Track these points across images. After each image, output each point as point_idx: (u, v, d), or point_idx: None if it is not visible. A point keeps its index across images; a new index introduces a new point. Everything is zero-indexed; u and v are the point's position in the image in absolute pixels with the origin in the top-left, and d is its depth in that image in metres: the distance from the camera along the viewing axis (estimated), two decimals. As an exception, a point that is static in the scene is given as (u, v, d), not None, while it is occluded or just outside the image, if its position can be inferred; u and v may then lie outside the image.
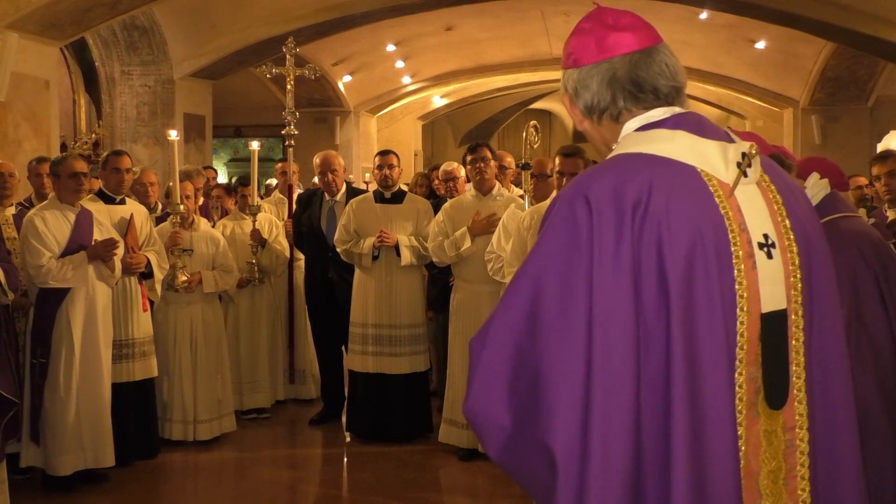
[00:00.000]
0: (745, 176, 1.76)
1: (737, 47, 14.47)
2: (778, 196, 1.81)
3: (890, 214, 5.04)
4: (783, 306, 1.75)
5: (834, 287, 1.85)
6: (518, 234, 5.41)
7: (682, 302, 1.65)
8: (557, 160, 5.38)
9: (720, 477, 1.66)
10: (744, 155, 1.77)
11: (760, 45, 14.37)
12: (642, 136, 1.79)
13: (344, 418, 7.12)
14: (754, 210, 1.76)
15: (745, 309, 1.70)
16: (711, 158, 1.76)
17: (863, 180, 7.52)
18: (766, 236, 1.75)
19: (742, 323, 1.70)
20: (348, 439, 6.84)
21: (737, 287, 1.70)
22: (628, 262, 1.65)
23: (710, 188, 1.73)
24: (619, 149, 1.81)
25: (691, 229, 1.67)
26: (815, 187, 3.39)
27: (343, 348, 7.23)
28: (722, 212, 1.72)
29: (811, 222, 1.85)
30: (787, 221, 1.79)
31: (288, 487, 6.06)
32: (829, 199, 3.40)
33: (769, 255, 1.74)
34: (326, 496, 6.02)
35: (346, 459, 6.65)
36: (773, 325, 1.74)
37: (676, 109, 1.83)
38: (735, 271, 1.70)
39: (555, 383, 1.66)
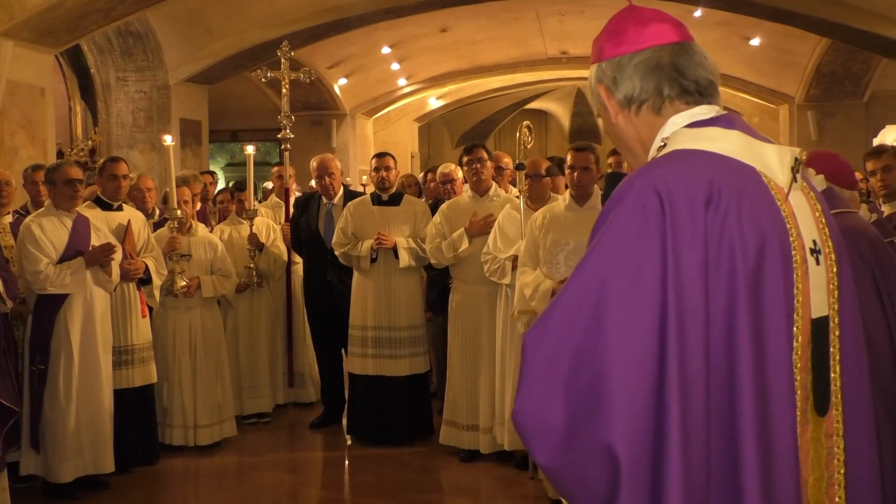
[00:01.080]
0: (796, 181, 1.74)
1: (732, 44, 14.48)
2: (818, 203, 1.80)
3: (885, 209, 5.04)
4: (826, 312, 1.73)
5: (855, 294, 1.83)
6: (531, 234, 5.41)
7: (751, 303, 1.62)
8: (569, 155, 5.40)
9: (786, 481, 1.63)
10: (796, 159, 1.75)
11: (755, 41, 14.38)
12: (697, 132, 1.75)
13: (345, 421, 7.13)
14: (804, 216, 1.74)
15: (799, 313, 1.68)
16: (769, 161, 1.73)
17: (858, 175, 7.52)
18: (815, 242, 1.74)
19: (798, 328, 1.68)
20: (349, 442, 6.84)
21: (795, 291, 1.68)
22: (702, 259, 1.61)
23: (772, 190, 1.71)
24: (672, 144, 1.75)
25: (760, 230, 1.65)
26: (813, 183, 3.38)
27: (343, 351, 7.23)
28: (783, 215, 1.70)
29: (836, 229, 1.84)
30: (827, 229, 1.78)
31: (289, 492, 6.06)
32: (827, 195, 3.40)
33: (817, 262, 1.73)
34: (328, 499, 6.02)
35: (347, 462, 6.65)
36: (820, 331, 1.72)
37: (720, 109, 1.80)
38: (794, 275, 1.69)
39: (621, 383, 1.57)
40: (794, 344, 1.67)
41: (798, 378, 1.67)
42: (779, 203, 1.71)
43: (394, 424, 6.59)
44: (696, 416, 1.58)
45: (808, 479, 1.70)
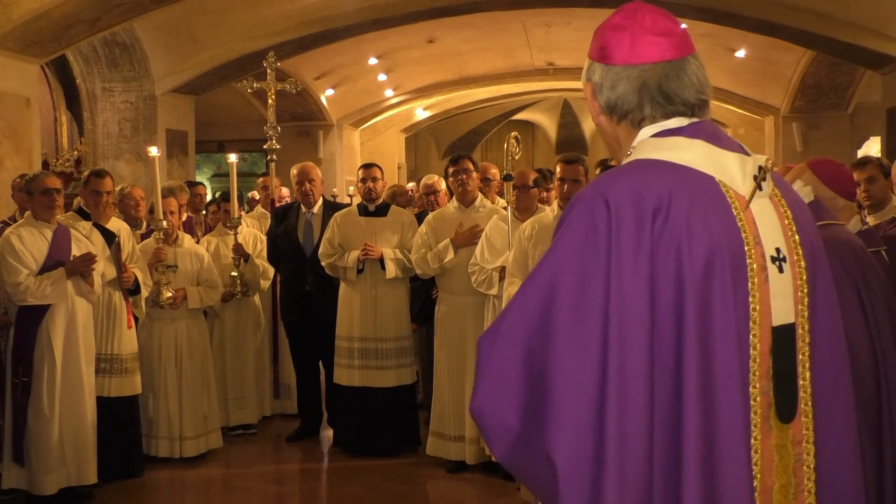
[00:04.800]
0: (760, 189, 1.75)
1: (717, 56, 14.54)
2: (788, 211, 1.81)
3: (870, 220, 5.06)
4: (792, 320, 1.75)
5: (836, 302, 1.84)
6: (519, 245, 5.42)
7: (698, 311, 1.64)
8: (559, 167, 5.40)
9: (732, 491, 1.64)
10: (760, 168, 1.76)
11: (740, 53, 14.45)
12: (660, 142, 1.77)
13: (329, 433, 7.10)
14: (767, 224, 1.76)
15: (757, 322, 1.70)
16: (729, 169, 1.75)
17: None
18: (777, 250, 1.75)
19: (755, 336, 1.69)
20: (336, 454, 6.81)
21: (750, 300, 1.70)
22: (646, 268, 1.63)
23: (728, 199, 1.73)
24: (636, 154, 1.78)
25: (710, 239, 1.66)
26: (800, 194, 3.39)
27: (320, 363, 7.21)
28: (739, 223, 1.71)
29: (816, 237, 1.85)
30: (797, 236, 1.79)
31: (276, 503, 6.03)
32: (813, 207, 3.40)
33: (780, 269, 1.74)
34: (314, 511, 6.00)
35: (333, 474, 6.62)
36: (783, 338, 1.73)
37: (694, 118, 1.81)
38: (749, 284, 1.70)
39: (563, 390, 1.63)
40: (752, 352, 1.69)
41: (757, 385, 1.69)
42: (735, 212, 1.72)
43: (380, 435, 6.58)
44: (635, 426, 1.61)
45: (772, 486, 1.71)
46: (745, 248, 1.70)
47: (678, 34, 1.81)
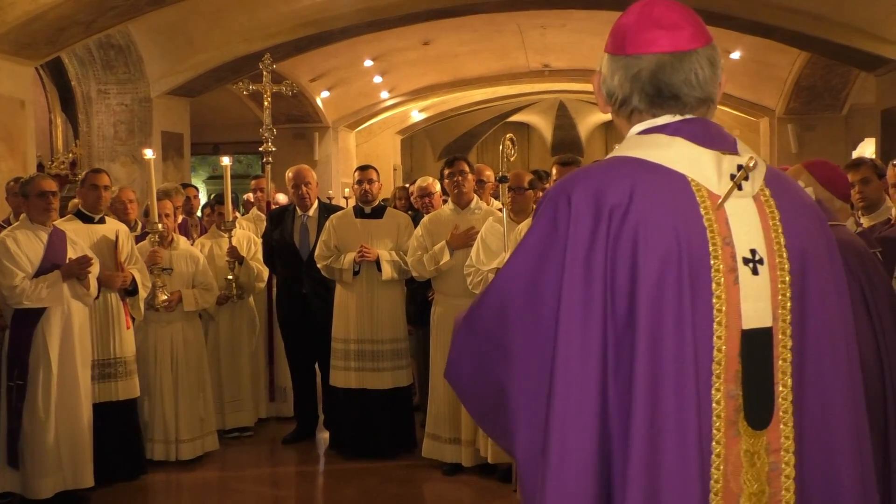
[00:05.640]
0: (739, 189, 1.72)
1: (712, 58, 14.56)
2: (776, 211, 1.75)
3: (864, 222, 5.07)
4: (768, 324, 1.70)
5: (833, 305, 1.78)
6: (514, 246, 5.41)
7: (650, 311, 1.62)
8: (555, 170, 5.40)
9: (678, 491, 1.61)
10: (739, 167, 1.73)
11: (735, 55, 14.47)
12: (640, 139, 1.78)
13: (325, 435, 7.10)
14: (745, 224, 1.71)
15: (722, 323, 1.66)
16: (704, 168, 1.73)
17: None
18: (753, 251, 1.70)
19: (720, 338, 1.65)
20: (332, 456, 6.81)
21: (714, 301, 1.66)
22: (601, 266, 1.64)
23: (698, 198, 1.70)
24: (618, 150, 1.81)
25: (669, 238, 1.65)
26: None
27: (316, 365, 7.21)
28: (705, 223, 1.68)
29: (812, 240, 1.78)
30: (782, 238, 1.73)
31: (271, 506, 6.03)
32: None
33: (755, 271, 1.69)
34: (310, 514, 5.99)
35: (329, 476, 6.62)
36: (756, 342, 1.68)
37: (687, 116, 1.79)
38: (713, 284, 1.66)
39: (517, 383, 1.71)
40: (716, 354, 1.65)
41: (721, 389, 1.66)
42: (703, 211, 1.70)
43: (376, 438, 6.57)
44: (579, 423, 1.63)
45: (739, 492, 1.68)
46: (711, 248, 1.67)
47: (685, 28, 1.78)
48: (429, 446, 6.29)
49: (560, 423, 1.63)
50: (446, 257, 6.06)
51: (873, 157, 10.59)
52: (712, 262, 1.67)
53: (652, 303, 1.63)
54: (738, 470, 1.68)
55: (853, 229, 3.80)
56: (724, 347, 1.66)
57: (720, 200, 1.71)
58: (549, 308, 1.68)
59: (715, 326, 1.66)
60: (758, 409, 1.69)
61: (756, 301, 1.69)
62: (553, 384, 1.64)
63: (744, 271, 1.69)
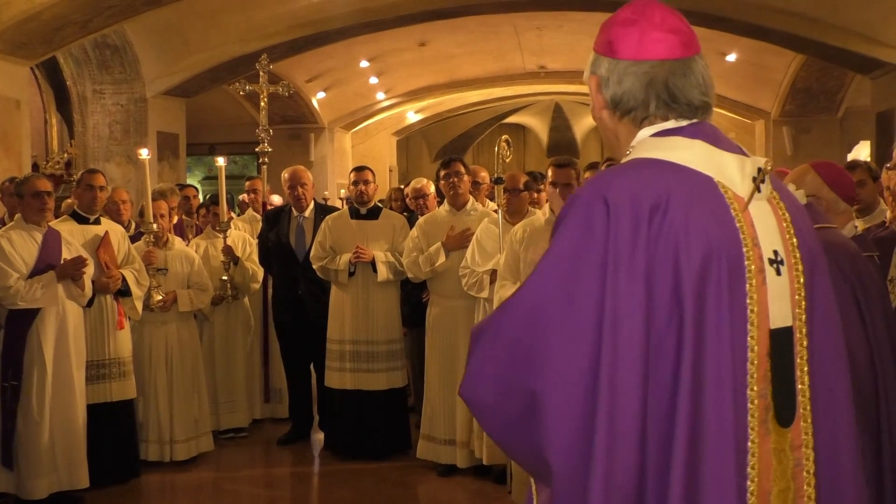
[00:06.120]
0: (759, 191, 1.74)
1: (708, 60, 14.40)
2: (787, 214, 1.80)
3: (859, 225, 5.08)
4: (789, 323, 1.73)
5: (834, 306, 1.82)
6: (511, 248, 5.41)
7: (694, 311, 1.63)
8: (550, 171, 5.38)
9: (717, 493, 1.62)
10: (759, 170, 1.75)
11: (731, 57, 14.50)
12: (659, 141, 1.77)
13: (320, 436, 7.09)
14: (765, 226, 1.74)
15: (755, 324, 1.68)
16: (728, 170, 1.74)
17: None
18: (775, 252, 1.73)
19: (752, 338, 1.68)
20: (327, 457, 6.80)
21: (748, 301, 1.68)
22: (643, 267, 1.62)
23: (727, 200, 1.72)
24: (634, 153, 1.78)
25: (708, 239, 1.65)
26: None
27: (311, 366, 7.20)
28: (737, 224, 1.70)
29: (815, 241, 1.83)
30: (795, 239, 1.77)
31: (266, 507, 6.02)
32: (807, 210, 3.41)
33: (778, 272, 1.72)
34: (305, 515, 5.99)
35: (324, 477, 6.61)
36: (781, 341, 1.71)
37: (695, 120, 1.80)
38: (747, 285, 1.68)
39: (555, 390, 1.63)
40: (749, 354, 1.67)
41: (755, 388, 1.68)
42: (734, 213, 1.71)
43: (371, 439, 6.57)
44: (626, 426, 1.60)
45: (770, 490, 1.70)
46: (744, 250, 1.69)
47: (686, 32, 1.80)
48: (424, 447, 6.29)
49: (608, 426, 1.60)
50: (442, 259, 6.06)
51: (868, 159, 10.61)
52: (746, 263, 1.69)
53: (695, 303, 1.63)
54: (769, 468, 1.70)
55: (852, 233, 3.78)
56: (756, 347, 1.68)
57: (746, 202, 1.73)
58: (588, 311, 1.63)
59: (749, 327, 1.68)
60: (784, 407, 1.72)
61: (780, 301, 1.72)
62: (599, 388, 1.60)
63: (770, 272, 1.72)
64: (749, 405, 1.67)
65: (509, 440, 1.78)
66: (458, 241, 6.05)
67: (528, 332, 1.68)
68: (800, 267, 1.76)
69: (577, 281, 1.64)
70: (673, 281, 1.63)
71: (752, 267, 1.69)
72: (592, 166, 7.48)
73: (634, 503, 1.62)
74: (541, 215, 5.59)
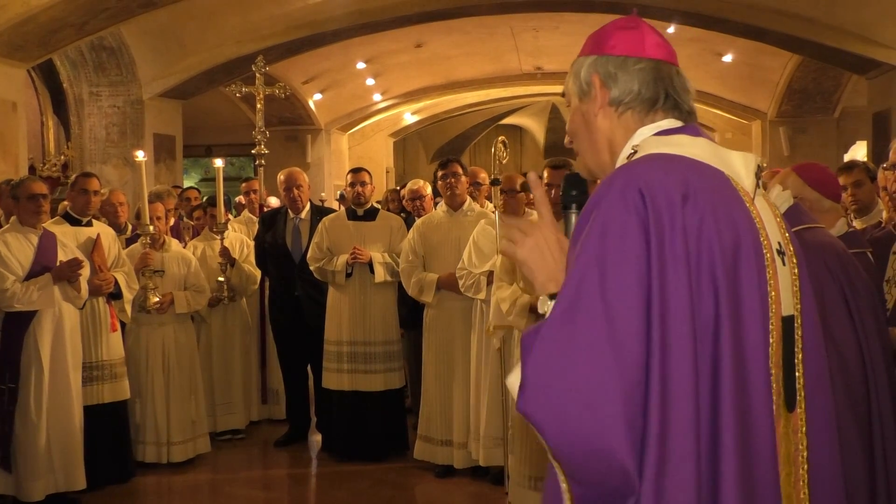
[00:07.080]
0: (759, 187, 1.81)
1: (704, 61, 14.60)
2: (776, 209, 1.87)
3: (857, 224, 5.08)
4: (792, 312, 1.79)
5: (814, 299, 1.88)
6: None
7: (730, 298, 1.65)
8: (546, 172, 5.36)
9: (766, 474, 1.66)
10: (759, 167, 1.82)
11: (728, 58, 14.52)
12: (666, 139, 1.79)
13: (318, 437, 7.09)
14: (768, 218, 1.80)
15: (773, 311, 1.72)
16: (735, 165, 1.80)
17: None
18: (780, 244, 1.79)
19: (772, 325, 1.72)
20: (324, 458, 6.80)
21: (768, 289, 1.72)
22: (684, 253, 1.61)
23: (740, 193, 1.77)
24: (642, 151, 1.78)
25: (734, 228, 1.69)
26: (779, 199, 3.42)
27: (308, 368, 7.20)
28: (753, 216, 1.75)
29: (794, 235, 1.90)
30: (787, 233, 1.85)
31: (263, 508, 6.02)
32: (794, 211, 3.43)
33: (783, 262, 1.78)
34: (302, 516, 5.98)
35: (321, 478, 6.61)
36: (788, 328, 1.77)
37: (684, 123, 1.86)
38: (767, 273, 1.73)
39: (608, 382, 1.54)
40: (770, 340, 1.71)
41: (773, 373, 1.71)
42: (748, 205, 1.76)
43: (369, 440, 6.57)
44: (686, 411, 1.57)
45: (781, 474, 1.72)
46: (762, 240, 1.74)
47: (670, 46, 1.90)
48: (421, 448, 6.29)
49: (659, 412, 1.56)
50: (429, 297, 6.08)
51: (865, 159, 10.63)
52: (765, 251, 1.74)
53: (731, 289, 1.66)
54: (780, 451, 1.73)
55: (844, 230, 3.80)
56: (774, 333, 1.72)
57: (753, 196, 1.79)
58: (638, 301, 1.57)
59: (770, 314, 1.72)
60: (790, 393, 1.76)
61: (786, 290, 1.77)
62: (667, 381, 1.57)
63: (778, 261, 1.77)
64: (773, 387, 1.71)
65: (575, 449, 1.62)
66: (453, 286, 6.01)
67: (569, 328, 1.61)
68: (794, 259, 1.82)
69: (622, 270, 1.59)
70: (710, 267, 1.64)
71: (768, 255, 1.74)
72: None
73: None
74: (537, 216, 5.58)
